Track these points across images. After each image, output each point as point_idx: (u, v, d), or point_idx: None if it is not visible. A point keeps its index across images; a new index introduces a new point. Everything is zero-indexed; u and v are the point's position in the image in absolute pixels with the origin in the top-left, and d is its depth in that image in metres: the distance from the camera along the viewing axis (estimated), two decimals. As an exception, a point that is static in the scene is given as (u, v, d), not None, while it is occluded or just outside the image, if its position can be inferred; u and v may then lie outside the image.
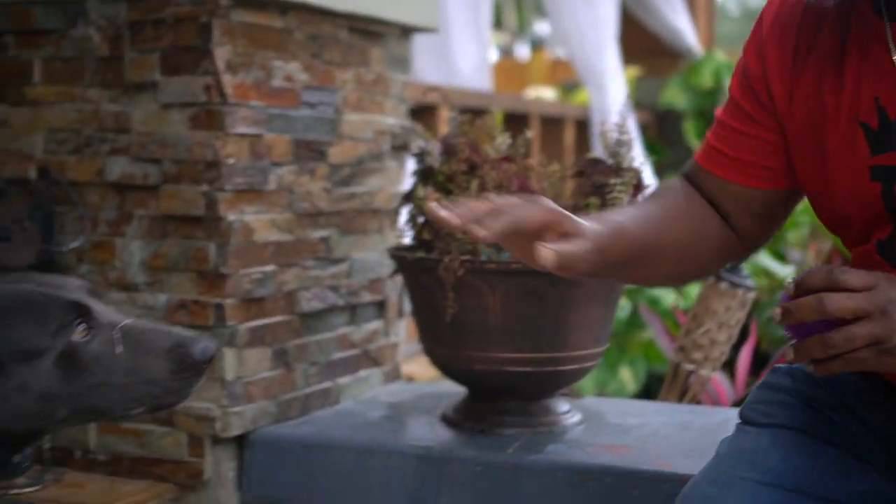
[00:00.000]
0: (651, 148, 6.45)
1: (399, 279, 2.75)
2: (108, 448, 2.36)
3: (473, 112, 2.55)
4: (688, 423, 2.46)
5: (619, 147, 2.30)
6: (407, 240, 2.47)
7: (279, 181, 2.38)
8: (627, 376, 5.11)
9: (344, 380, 2.64)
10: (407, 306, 2.90)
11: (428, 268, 2.26)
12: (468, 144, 2.38)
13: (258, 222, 2.33)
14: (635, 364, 5.14)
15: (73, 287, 1.52)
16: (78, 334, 1.46)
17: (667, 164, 6.39)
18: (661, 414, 2.59)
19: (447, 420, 2.44)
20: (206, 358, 1.50)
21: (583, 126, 5.56)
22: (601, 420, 2.49)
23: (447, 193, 2.36)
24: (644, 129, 6.46)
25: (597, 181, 2.27)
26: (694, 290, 5.01)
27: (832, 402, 1.61)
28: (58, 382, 1.45)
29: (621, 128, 2.31)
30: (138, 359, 1.48)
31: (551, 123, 5.31)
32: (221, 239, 2.25)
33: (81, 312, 1.47)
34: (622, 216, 1.61)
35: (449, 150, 2.38)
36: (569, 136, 5.43)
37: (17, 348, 1.43)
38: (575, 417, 2.44)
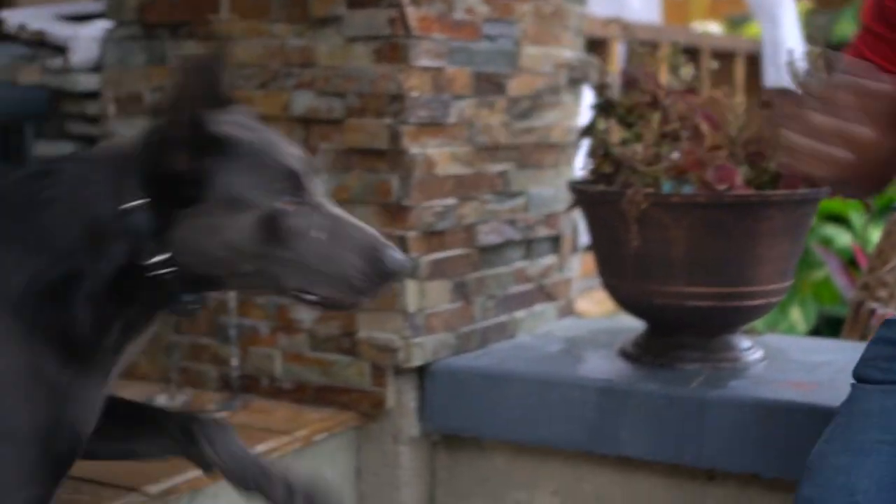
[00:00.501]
0: (823, 83, 6.23)
1: (573, 214, 2.74)
2: (294, 376, 2.43)
3: (643, 45, 2.51)
4: (875, 362, 2.40)
5: (809, 77, 2.23)
6: (583, 173, 2.44)
7: (460, 114, 2.38)
8: (797, 316, 5.00)
9: (520, 314, 2.65)
10: (581, 242, 2.89)
11: (610, 201, 2.24)
12: (650, 76, 2.34)
13: (439, 155, 2.34)
14: (806, 304, 5.03)
15: (296, 157, 1.50)
16: (285, 203, 1.46)
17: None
18: (844, 352, 2.52)
19: (625, 354, 2.43)
20: (398, 269, 1.48)
21: (753, 61, 5.41)
22: (784, 357, 2.44)
23: (628, 126, 2.34)
24: (815, 63, 6.23)
25: (786, 112, 2.20)
26: (870, 229, 4.86)
27: None
28: (251, 240, 1.44)
29: (811, 57, 2.24)
30: (333, 249, 1.46)
31: (721, 58, 5.18)
32: (404, 172, 2.27)
33: (296, 184, 1.46)
34: None
35: (630, 83, 2.34)
36: (739, 70, 5.29)
37: (226, 195, 1.43)
38: (757, 354, 2.40)
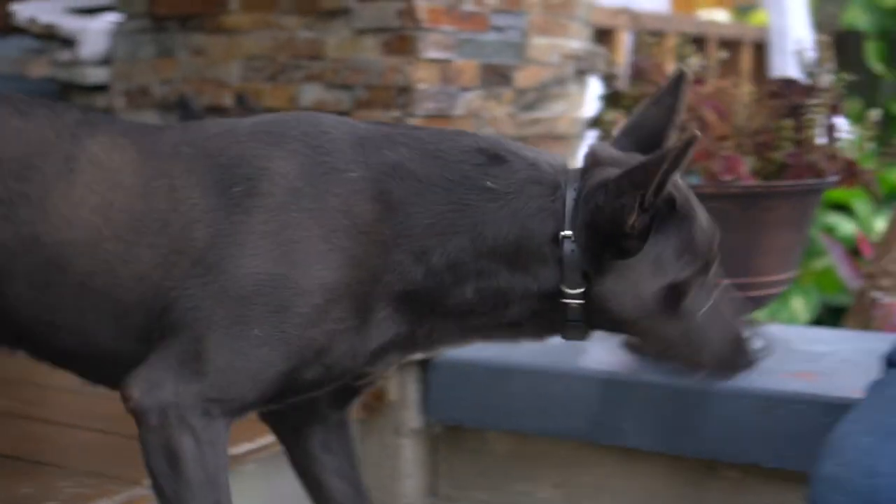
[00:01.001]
0: (828, 71, 6.22)
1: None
2: (301, 365, 2.43)
3: (651, 35, 2.52)
4: (878, 351, 2.39)
5: (816, 66, 2.24)
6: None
7: (467, 106, 2.39)
8: (800, 306, 5.00)
9: (525, 303, 2.65)
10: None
11: (616, 193, 2.24)
12: (658, 67, 2.35)
13: (446, 147, 2.35)
14: (808, 294, 5.02)
15: (709, 227, 1.48)
16: (690, 276, 1.43)
17: (846, 89, 6.16)
18: (847, 341, 2.54)
19: (628, 345, 2.43)
20: (751, 366, 1.50)
21: (759, 49, 5.40)
22: (786, 347, 2.44)
23: (635, 118, 2.34)
24: (821, 51, 6.23)
25: (793, 102, 2.21)
26: (874, 218, 4.86)
27: None
28: (653, 303, 1.44)
29: (820, 45, 2.25)
30: (706, 335, 1.46)
31: (727, 46, 5.18)
32: (411, 163, 2.28)
33: (704, 261, 1.45)
34: None
35: (639, 74, 2.35)
36: (745, 59, 5.28)
37: (653, 257, 1.42)
38: (758, 344, 2.40)
